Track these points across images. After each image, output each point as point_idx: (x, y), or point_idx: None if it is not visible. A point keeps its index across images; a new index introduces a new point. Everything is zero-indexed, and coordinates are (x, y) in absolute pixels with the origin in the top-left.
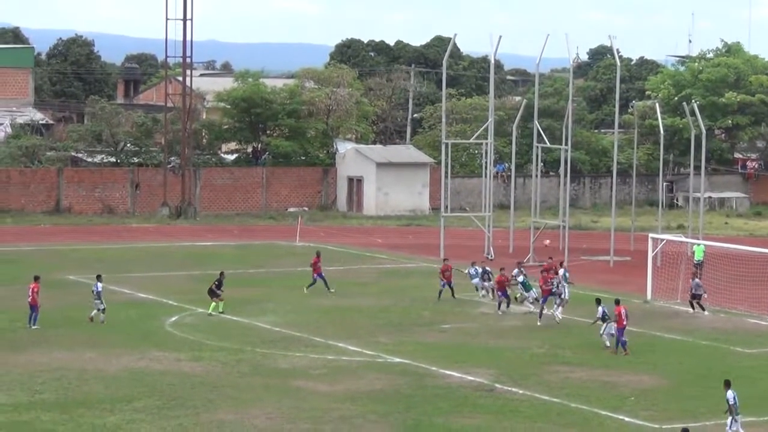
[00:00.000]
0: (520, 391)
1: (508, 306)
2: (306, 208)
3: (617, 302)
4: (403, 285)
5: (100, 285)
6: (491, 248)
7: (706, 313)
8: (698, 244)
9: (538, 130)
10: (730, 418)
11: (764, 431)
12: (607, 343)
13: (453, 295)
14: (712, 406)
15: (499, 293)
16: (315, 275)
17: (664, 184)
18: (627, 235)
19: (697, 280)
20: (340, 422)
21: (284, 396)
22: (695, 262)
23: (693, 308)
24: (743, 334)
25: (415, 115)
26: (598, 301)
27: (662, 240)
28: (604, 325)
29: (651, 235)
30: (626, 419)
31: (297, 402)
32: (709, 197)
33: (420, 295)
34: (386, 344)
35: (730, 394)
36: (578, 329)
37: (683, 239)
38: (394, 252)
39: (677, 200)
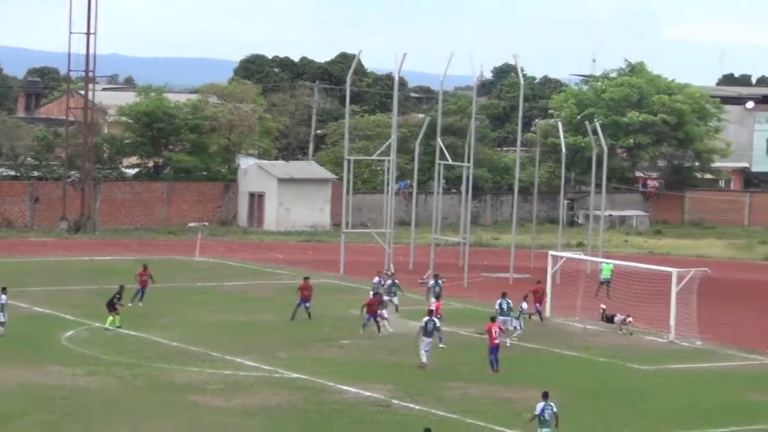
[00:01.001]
0: (417, 407)
1: (378, 330)
2: (206, 224)
3: (492, 319)
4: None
5: (4, 297)
6: (391, 264)
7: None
8: (606, 263)
9: (441, 148)
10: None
11: None
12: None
13: (309, 315)
14: (607, 422)
15: (367, 316)
16: (140, 287)
17: (565, 202)
18: (527, 252)
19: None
20: None
21: (180, 411)
22: (602, 280)
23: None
24: (640, 350)
25: (318, 132)
26: (503, 295)
27: (562, 257)
28: (505, 318)
29: (551, 252)
30: None
31: (193, 417)
32: (610, 215)
33: (319, 312)
34: (283, 359)
35: (540, 405)
36: (475, 345)
37: (583, 257)
38: (294, 268)
39: (578, 218)
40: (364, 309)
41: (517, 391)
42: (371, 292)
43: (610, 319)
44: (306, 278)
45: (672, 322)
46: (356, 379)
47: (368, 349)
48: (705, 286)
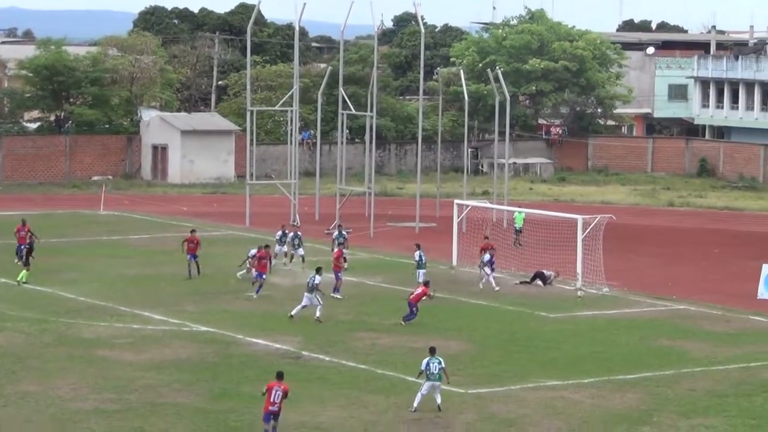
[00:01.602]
0: (327, 359)
1: (258, 290)
2: (110, 177)
3: (426, 284)
4: (208, 253)
5: None
6: (297, 215)
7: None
8: (519, 212)
9: (343, 97)
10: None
11: (568, 394)
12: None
13: (198, 271)
14: (517, 371)
15: (255, 273)
16: (18, 245)
17: (469, 150)
18: (432, 202)
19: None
20: (146, 391)
21: (89, 366)
22: (516, 229)
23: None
24: (548, 298)
25: (220, 83)
26: (418, 246)
27: (467, 206)
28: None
29: (456, 201)
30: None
31: (102, 372)
32: (514, 163)
33: (225, 263)
34: (192, 313)
35: (425, 360)
36: (385, 296)
37: (488, 205)
38: (199, 220)
39: (482, 166)
40: (248, 261)
41: (427, 341)
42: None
43: (541, 278)
44: (192, 231)
45: (579, 269)
46: (265, 331)
47: (277, 301)
48: (610, 233)
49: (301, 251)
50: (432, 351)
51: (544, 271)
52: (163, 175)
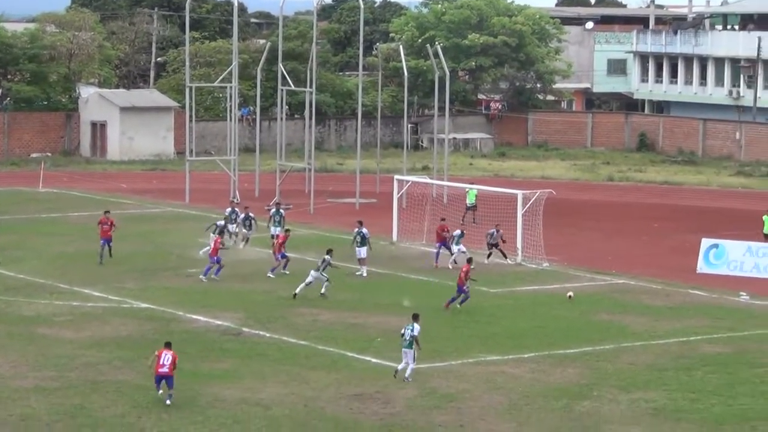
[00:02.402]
0: (268, 335)
1: (218, 272)
2: (49, 154)
3: (469, 261)
4: (148, 230)
5: None
6: (237, 192)
7: (509, 260)
8: (470, 188)
9: (283, 73)
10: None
11: (509, 369)
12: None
13: (110, 254)
14: (459, 346)
15: (212, 258)
16: None
17: (409, 126)
18: (373, 177)
19: (500, 231)
20: (86, 369)
21: (29, 344)
22: (468, 205)
23: (505, 256)
24: (488, 274)
25: (159, 59)
26: (360, 224)
27: (407, 181)
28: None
29: (396, 176)
30: (373, 360)
31: (42, 349)
32: (454, 138)
33: (165, 240)
34: (132, 290)
35: (409, 327)
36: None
37: (428, 180)
38: (139, 197)
39: (422, 142)
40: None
41: (367, 317)
42: (221, 222)
43: (495, 246)
44: (106, 212)
45: (519, 244)
46: (206, 308)
47: (216, 278)
48: (550, 208)
49: (252, 232)
50: (415, 318)
51: (490, 235)
52: (102, 152)
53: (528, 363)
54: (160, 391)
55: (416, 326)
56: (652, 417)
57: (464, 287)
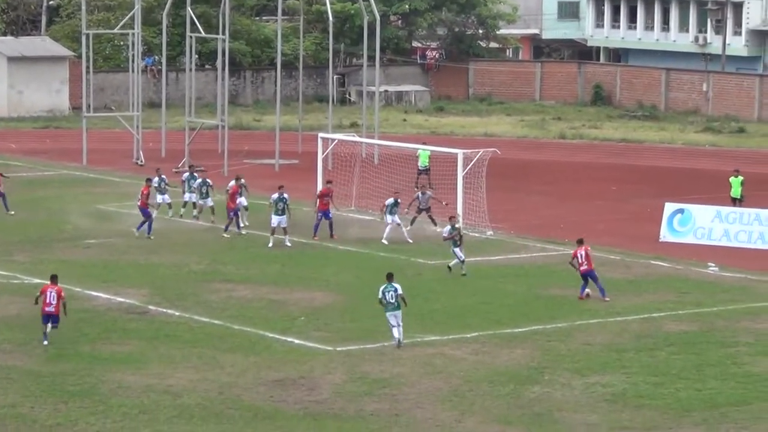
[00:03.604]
0: (177, 313)
1: (147, 229)
2: None
3: (580, 242)
4: (41, 195)
5: None
6: (141, 152)
7: (438, 228)
8: (423, 149)
9: (192, 18)
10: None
11: (449, 350)
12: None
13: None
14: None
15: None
16: None
17: (335, 77)
18: (294, 135)
19: (429, 192)
20: None
21: None
22: (420, 168)
23: (412, 224)
24: (424, 243)
25: (51, 3)
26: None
27: (333, 140)
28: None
29: (321, 134)
30: (296, 341)
31: None
32: (386, 91)
33: (60, 207)
34: (23, 263)
35: (381, 288)
36: (242, 241)
37: (357, 138)
38: (30, 158)
39: (350, 95)
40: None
41: (289, 293)
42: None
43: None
44: (2, 175)
45: (459, 210)
46: (107, 284)
47: (120, 250)
48: (494, 169)
49: (210, 201)
50: (389, 277)
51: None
52: None
53: (471, 344)
54: (47, 331)
55: (397, 285)
56: (611, 403)
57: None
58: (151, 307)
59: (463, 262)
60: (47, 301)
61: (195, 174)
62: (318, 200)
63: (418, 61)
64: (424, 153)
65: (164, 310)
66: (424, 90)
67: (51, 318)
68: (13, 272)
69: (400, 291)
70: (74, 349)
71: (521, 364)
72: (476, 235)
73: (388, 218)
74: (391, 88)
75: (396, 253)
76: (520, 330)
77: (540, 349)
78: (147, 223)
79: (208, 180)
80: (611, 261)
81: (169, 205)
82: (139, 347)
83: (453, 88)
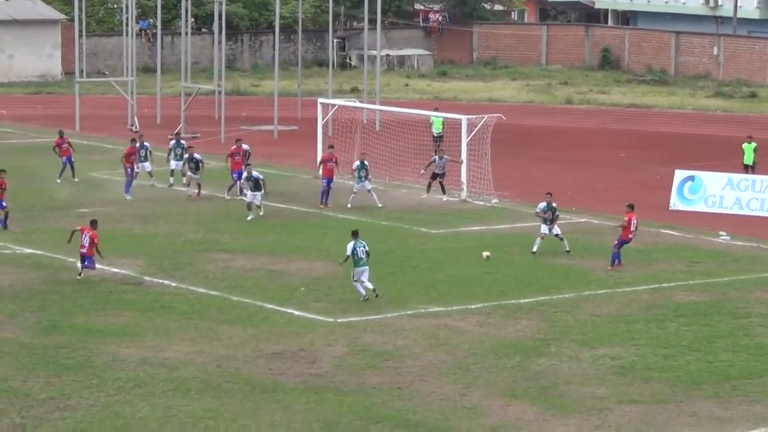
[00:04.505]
0: (173, 284)
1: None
2: None
3: (630, 207)
4: (33, 163)
5: None
6: (135, 118)
7: (444, 198)
8: (436, 116)
9: None
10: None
11: (453, 322)
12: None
13: (73, 175)
14: (394, 296)
15: (127, 168)
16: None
17: (335, 41)
18: (293, 101)
19: (446, 156)
20: None
21: None
22: (434, 135)
23: (428, 191)
24: (428, 212)
25: None
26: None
27: (334, 105)
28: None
29: (320, 100)
30: (296, 313)
31: None
32: (387, 55)
33: (52, 174)
34: (15, 233)
35: (350, 244)
36: (238, 210)
37: (358, 104)
38: (21, 125)
39: (350, 59)
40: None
41: (288, 263)
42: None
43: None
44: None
45: (463, 177)
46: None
47: (115, 219)
48: (499, 135)
49: (198, 176)
50: (355, 234)
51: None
52: None
53: (475, 315)
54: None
55: (364, 242)
56: (619, 376)
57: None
58: (146, 277)
59: (562, 239)
60: (81, 242)
61: (181, 141)
62: (321, 166)
63: (421, 24)
64: (437, 119)
65: (160, 281)
66: (427, 54)
67: (84, 258)
68: (4, 242)
69: (367, 247)
70: (68, 320)
71: (527, 335)
72: (480, 203)
73: (357, 185)
74: (393, 52)
75: (399, 221)
76: (525, 301)
77: (546, 320)
78: (128, 183)
79: (196, 155)
80: (619, 230)
81: (150, 174)
82: (135, 319)
83: (456, 52)
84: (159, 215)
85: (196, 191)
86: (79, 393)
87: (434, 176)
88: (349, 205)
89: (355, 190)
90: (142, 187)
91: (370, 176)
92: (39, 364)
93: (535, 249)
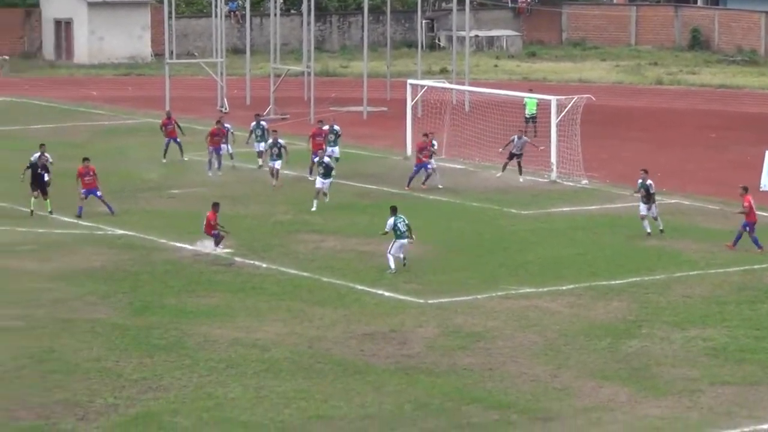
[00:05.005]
0: (264, 265)
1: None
2: (6, 57)
3: (745, 189)
4: (123, 144)
5: None
6: (225, 99)
7: (521, 179)
8: (530, 97)
9: None
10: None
11: (544, 303)
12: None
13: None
14: (484, 277)
15: (210, 148)
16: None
17: (424, 21)
18: (382, 82)
19: (525, 138)
20: (55, 306)
21: None
22: (527, 116)
23: (504, 170)
24: (518, 192)
25: None
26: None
27: (423, 86)
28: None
29: (410, 81)
30: (387, 294)
31: (3, 284)
32: (476, 36)
33: (144, 156)
34: (107, 214)
35: (390, 220)
36: (331, 190)
37: (447, 85)
38: (112, 106)
39: (439, 40)
40: (207, 139)
41: (379, 244)
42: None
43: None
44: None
45: (553, 158)
46: (192, 235)
47: (206, 199)
48: (589, 116)
49: (278, 164)
50: (394, 210)
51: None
52: (68, 55)
53: (566, 296)
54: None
55: (403, 216)
56: (711, 357)
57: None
58: (237, 258)
59: (656, 218)
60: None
61: (261, 122)
62: (416, 154)
63: (510, 5)
64: (531, 101)
65: (251, 262)
66: (516, 35)
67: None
68: (96, 223)
69: (408, 221)
70: (160, 302)
71: (618, 317)
72: (570, 184)
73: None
74: (482, 33)
75: (489, 203)
76: (616, 282)
77: (637, 301)
78: (210, 160)
79: (281, 141)
80: (710, 211)
81: (231, 156)
82: (226, 300)
83: (545, 32)
84: (249, 196)
85: (278, 182)
86: (171, 374)
87: (511, 156)
88: (440, 186)
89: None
90: (226, 168)
91: (433, 157)
92: (131, 345)
93: (648, 231)
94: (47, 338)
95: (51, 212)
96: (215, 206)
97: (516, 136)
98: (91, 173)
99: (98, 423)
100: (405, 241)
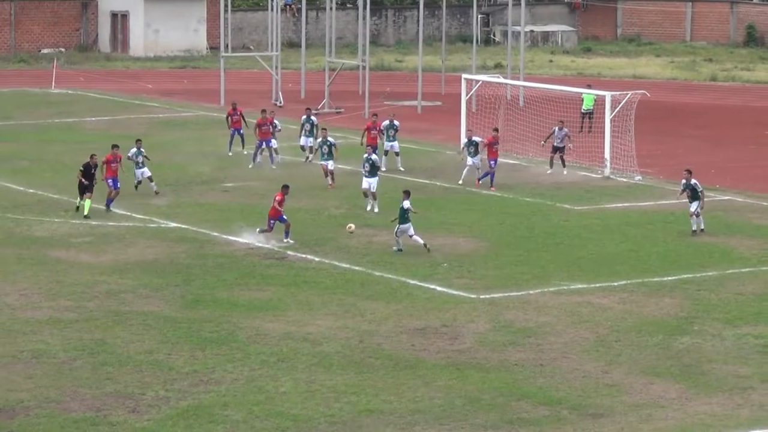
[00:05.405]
0: (317, 259)
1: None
2: (63, 50)
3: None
4: (177, 137)
5: None
6: (280, 93)
7: (565, 171)
8: (587, 92)
9: None
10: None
11: (596, 299)
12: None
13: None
14: (536, 272)
15: (258, 141)
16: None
17: (479, 16)
18: (437, 76)
19: (566, 129)
20: (107, 298)
21: (41, 269)
22: (583, 111)
23: (551, 166)
24: (571, 188)
25: None
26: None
27: (477, 81)
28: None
29: (464, 75)
30: (438, 289)
31: (56, 275)
32: (531, 31)
33: (198, 149)
34: (159, 206)
35: (406, 203)
36: (382, 186)
37: (502, 80)
38: (166, 99)
39: (494, 35)
40: (256, 129)
41: (432, 238)
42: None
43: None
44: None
45: (607, 154)
46: (245, 229)
47: (258, 193)
48: (643, 112)
49: (331, 164)
50: (407, 194)
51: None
52: (123, 47)
53: (618, 292)
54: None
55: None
56: (762, 355)
57: None
58: (289, 252)
59: (698, 215)
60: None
61: (311, 117)
62: (487, 149)
63: (565, 1)
64: (588, 96)
65: (303, 256)
66: (571, 30)
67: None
68: (149, 216)
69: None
70: (212, 295)
71: (670, 313)
72: (624, 180)
73: (468, 160)
74: (537, 28)
75: (541, 198)
76: (669, 278)
77: (689, 298)
78: (255, 154)
79: (329, 138)
80: (763, 208)
81: (276, 150)
82: (278, 293)
83: (600, 28)
84: (302, 190)
85: (332, 181)
86: (222, 366)
87: (555, 150)
88: (460, 182)
89: (468, 163)
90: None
91: (479, 153)
92: (183, 338)
93: (702, 227)
94: (100, 330)
95: (87, 216)
96: (285, 188)
97: (557, 128)
98: (118, 160)
99: (149, 415)
100: (410, 225)
